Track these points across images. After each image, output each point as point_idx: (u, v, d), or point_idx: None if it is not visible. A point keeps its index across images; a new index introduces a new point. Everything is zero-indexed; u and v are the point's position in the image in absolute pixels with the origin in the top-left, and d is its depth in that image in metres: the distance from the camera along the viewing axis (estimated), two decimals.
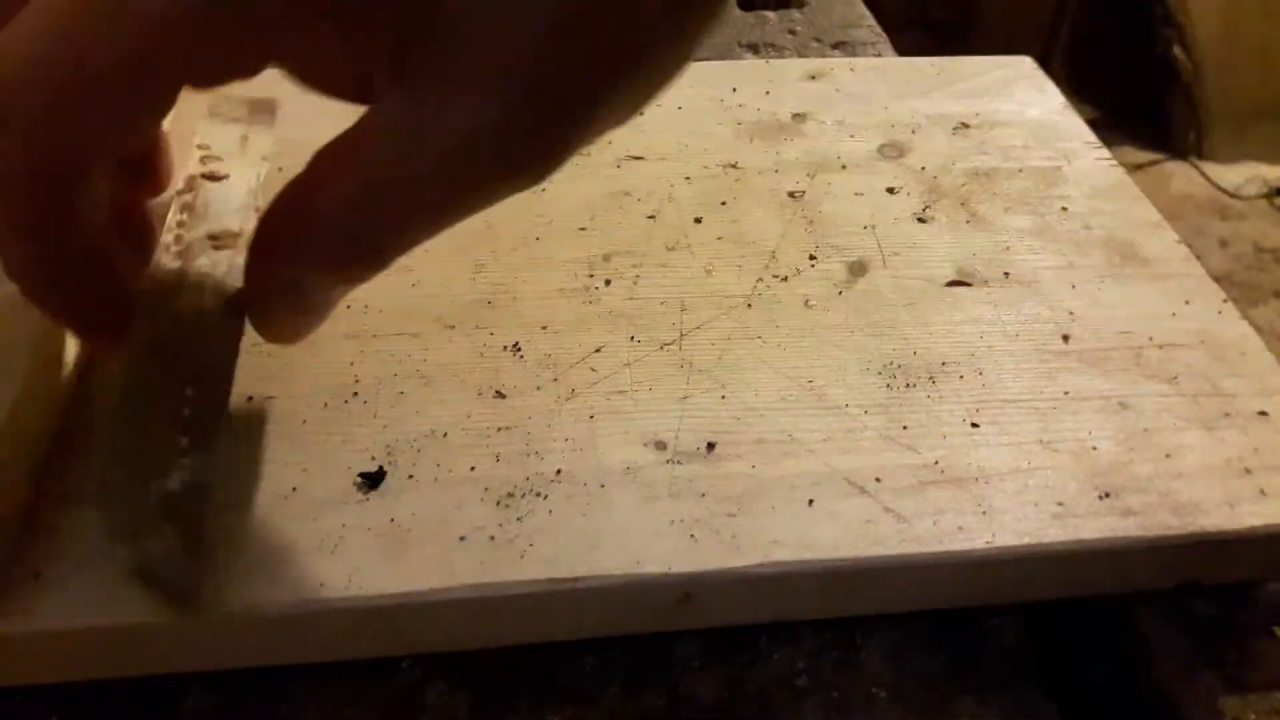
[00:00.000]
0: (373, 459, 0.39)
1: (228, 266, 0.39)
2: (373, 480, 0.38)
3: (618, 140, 0.56)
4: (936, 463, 0.40)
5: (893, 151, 0.57)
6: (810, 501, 0.38)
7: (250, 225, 0.41)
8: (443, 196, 0.27)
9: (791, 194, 0.54)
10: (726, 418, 0.41)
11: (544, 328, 0.45)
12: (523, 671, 0.38)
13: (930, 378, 0.44)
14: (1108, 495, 0.39)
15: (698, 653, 0.39)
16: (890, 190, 0.54)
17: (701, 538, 0.37)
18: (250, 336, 0.36)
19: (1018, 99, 0.62)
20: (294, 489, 0.37)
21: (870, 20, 0.77)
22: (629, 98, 0.28)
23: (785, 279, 0.48)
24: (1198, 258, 0.51)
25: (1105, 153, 0.58)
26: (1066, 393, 0.44)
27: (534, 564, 0.36)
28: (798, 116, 0.59)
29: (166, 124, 0.43)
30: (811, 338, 0.45)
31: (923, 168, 0.56)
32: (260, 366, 0.42)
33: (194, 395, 0.35)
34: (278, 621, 0.34)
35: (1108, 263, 0.51)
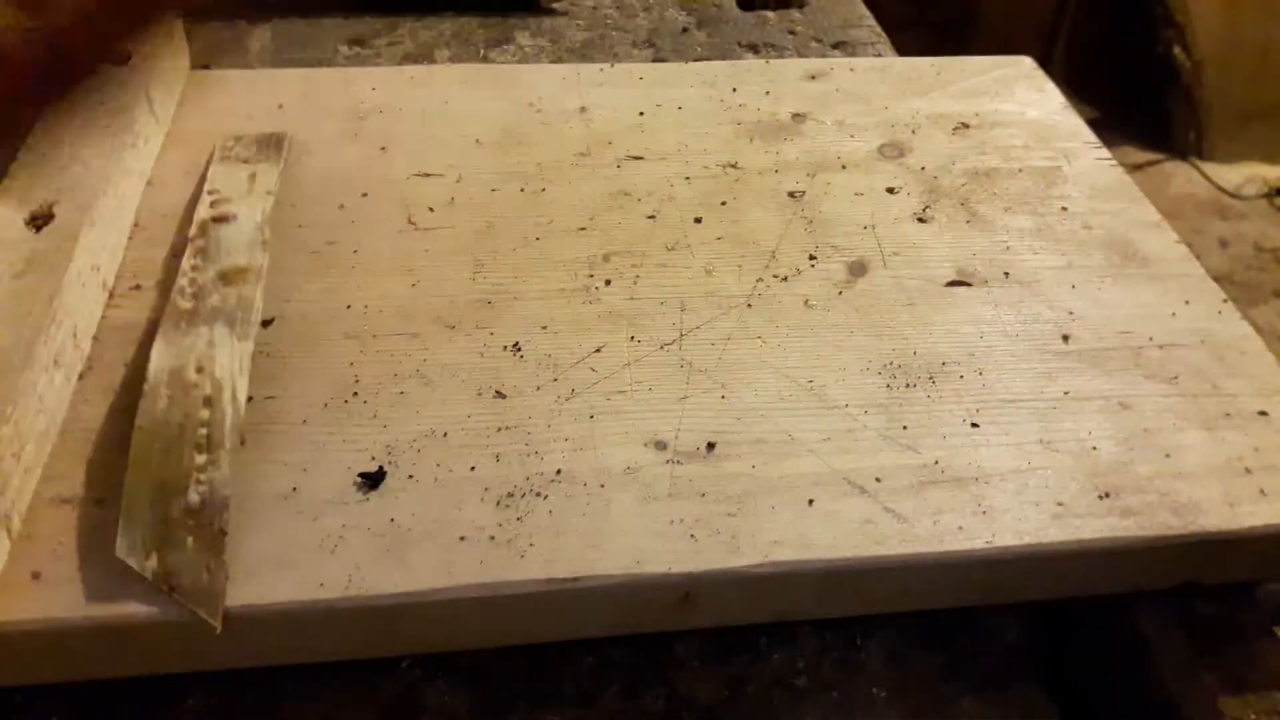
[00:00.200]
0: (373, 459, 0.39)
1: (237, 299, 0.43)
2: (373, 480, 0.38)
3: (618, 140, 0.56)
4: (936, 463, 0.40)
5: (893, 151, 0.57)
6: (810, 501, 0.38)
7: (259, 259, 0.44)
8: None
9: (791, 194, 0.54)
10: (726, 418, 0.41)
11: (544, 328, 0.45)
12: (523, 671, 0.38)
13: (930, 378, 0.44)
14: (1108, 495, 0.39)
15: (698, 653, 0.39)
16: (890, 190, 0.54)
17: (701, 538, 0.37)
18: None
19: (1018, 99, 0.62)
20: (294, 489, 0.38)
21: (870, 20, 0.77)
22: None
23: (785, 279, 0.48)
24: (1198, 258, 0.51)
25: (1105, 153, 0.58)
26: (1066, 393, 0.44)
27: (534, 564, 0.36)
28: (798, 116, 0.59)
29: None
30: (811, 338, 0.45)
31: (923, 168, 0.56)
32: (260, 367, 0.42)
33: (209, 417, 0.38)
34: (278, 621, 0.34)
35: (1108, 263, 0.51)
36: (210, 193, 0.49)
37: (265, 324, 0.44)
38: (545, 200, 0.52)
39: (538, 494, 0.38)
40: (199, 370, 0.40)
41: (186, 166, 0.52)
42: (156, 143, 0.53)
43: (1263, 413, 0.43)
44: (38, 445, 0.38)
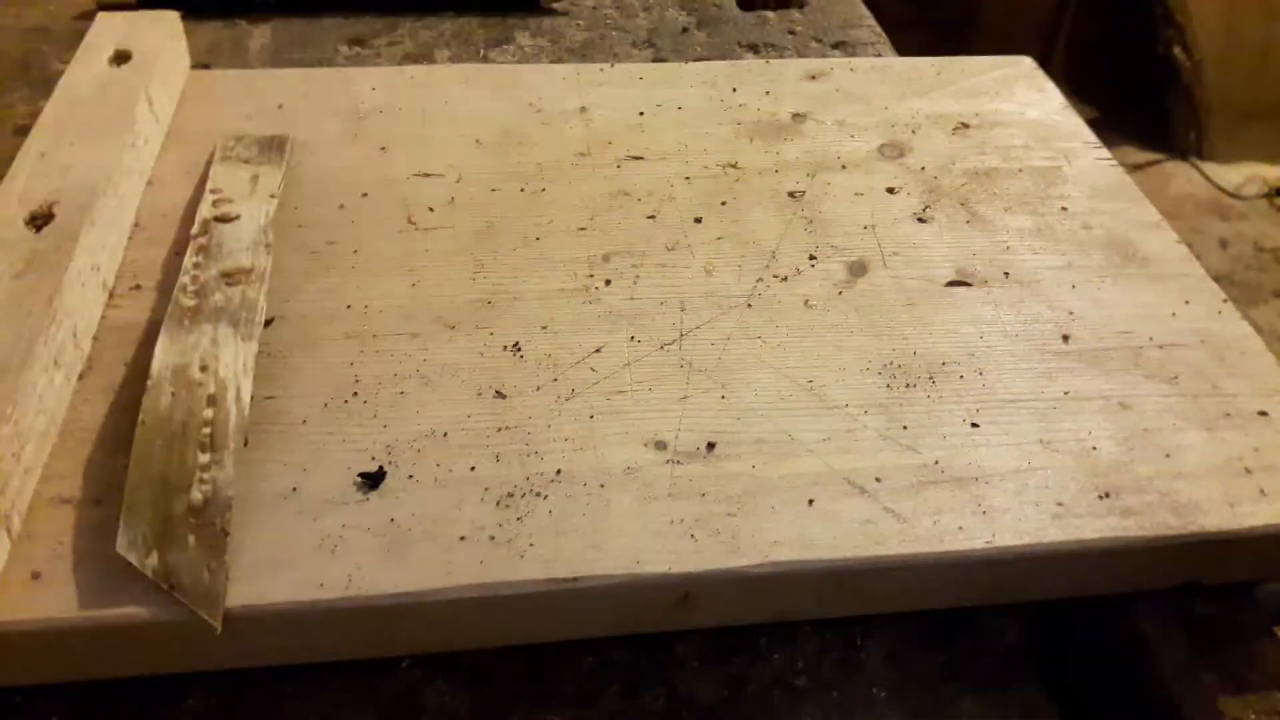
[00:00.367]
0: (373, 459, 0.39)
1: (240, 299, 0.43)
2: (373, 480, 0.38)
3: (618, 140, 0.56)
4: (936, 463, 0.40)
5: (893, 151, 0.57)
6: (810, 501, 0.38)
7: (261, 261, 0.44)
8: None
9: (791, 194, 0.54)
10: (726, 418, 0.41)
11: (544, 328, 0.45)
12: (523, 671, 0.38)
13: (930, 378, 0.44)
14: (1108, 495, 0.39)
15: (698, 653, 0.39)
16: (890, 190, 0.54)
17: (701, 538, 0.37)
18: None
19: (1017, 99, 0.62)
20: (294, 489, 0.38)
21: (870, 20, 0.77)
22: None
23: (785, 279, 0.48)
24: (1197, 258, 0.51)
25: (1105, 153, 0.58)
26: (1066, 393, 0.44)
27: (534, 564, 0.36)
28: (798, 116, 0.59)
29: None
30: (811, 338, 0.45)
31: (923, 168, 0.56)
32: (260, 366, 0.42)
33: (212, 416, 0.38)
34: (278, 621, 0.34)
35: (1108, 263, 0.51)
36: (213, 192, 0.49)
37: (265, 324, 0.44)
38: (545, 200, 0.52)
39: (538, 494, 0.38)
40: (203, 369, 0.40)
41: (186, 166, 0.52)
42: (156, 143, 0.53)
43: (1263, 413, 0.43)
44: (38, 445, 0.38)
